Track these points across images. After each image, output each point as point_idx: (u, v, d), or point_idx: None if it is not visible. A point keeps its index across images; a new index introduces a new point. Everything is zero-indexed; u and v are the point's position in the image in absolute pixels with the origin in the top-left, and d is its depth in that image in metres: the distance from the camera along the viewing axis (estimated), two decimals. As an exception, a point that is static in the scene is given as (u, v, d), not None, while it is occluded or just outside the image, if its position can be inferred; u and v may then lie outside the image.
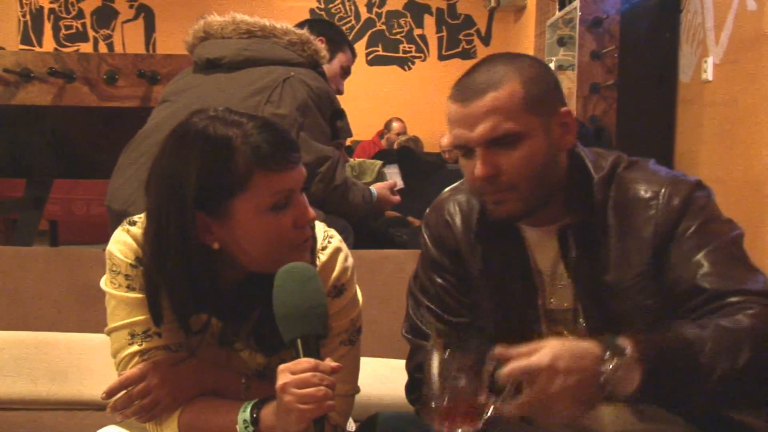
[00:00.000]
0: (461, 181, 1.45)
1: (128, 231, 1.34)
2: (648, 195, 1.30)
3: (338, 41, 2.86)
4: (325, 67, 2.62)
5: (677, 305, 1.25)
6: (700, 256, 1.25)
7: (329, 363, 1.14)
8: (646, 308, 1.29)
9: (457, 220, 1.43)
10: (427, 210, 1.50)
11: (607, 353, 1.09)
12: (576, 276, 1.34)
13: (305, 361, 1.13)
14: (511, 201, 1.29)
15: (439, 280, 1.45)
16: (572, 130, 1.32)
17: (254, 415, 1.24)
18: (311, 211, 1.27)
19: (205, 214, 1.22)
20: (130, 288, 1.31)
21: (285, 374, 1.13)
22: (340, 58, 2.86)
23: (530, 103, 1.27)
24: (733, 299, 1.20)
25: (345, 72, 2.92)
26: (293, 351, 1.16)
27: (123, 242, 1.33)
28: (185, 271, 1.24)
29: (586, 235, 1.32)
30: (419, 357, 1.46)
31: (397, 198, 2.88)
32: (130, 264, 1.30)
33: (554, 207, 1.33)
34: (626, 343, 1.10)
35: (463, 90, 1.29)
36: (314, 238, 1.35)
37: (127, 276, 1.31)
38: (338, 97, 2.65)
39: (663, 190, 1.30)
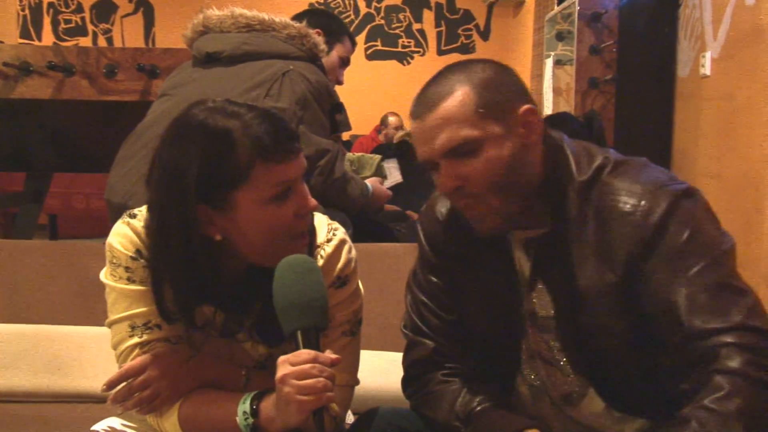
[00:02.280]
0: None
1: (128, 223, 1.34)
2: (627, 208, 1.22)
3: (336, 32, 2.86)
4: (324, 59, 2.62)
5: (655, 335, 1.19)
6: (681, 282, 1.17)
7: (329, 355, 1.15)
8: (616, 330, 1.24)
9: (446, 221, 1.41)
10: (423, 207, 1.50)
11: None
12: (549, 285, 1.31)
13: (305, 353, 1.14)
14: (490, 216, 1.26)
15: (433, 278, 1.45)
16: (536, 129, 1.26)
17: (254, 407, 1.25)
18: (312, 200, 1.27)
19: (207, 206, 1.22)
20: (130, 280, 1.31)
21: (285, 365, 1.13)
22: (338, 49, 2.86)
23: (485, 107, 1.22)
24: (716, 341, 1.12)
25: (344, 62, 2.92)
26: (294, 343, 1.16)
27: (123, 234, 1.33)
28: (188, 264, 1.24)
29: (559, 244, 1.27)
30: (416, 353, 1.47)
31: (389, 192, 2.90)
32: (131, 256, 1.31)
33: (539, 210, 1.29)
34: None
35: (418, 106, 1.27)
36: (314, 231, 1.36)
37: (127, 268, 1.31)
38: (337, 90, 2.66)
39: (642, 203, 1.21)
